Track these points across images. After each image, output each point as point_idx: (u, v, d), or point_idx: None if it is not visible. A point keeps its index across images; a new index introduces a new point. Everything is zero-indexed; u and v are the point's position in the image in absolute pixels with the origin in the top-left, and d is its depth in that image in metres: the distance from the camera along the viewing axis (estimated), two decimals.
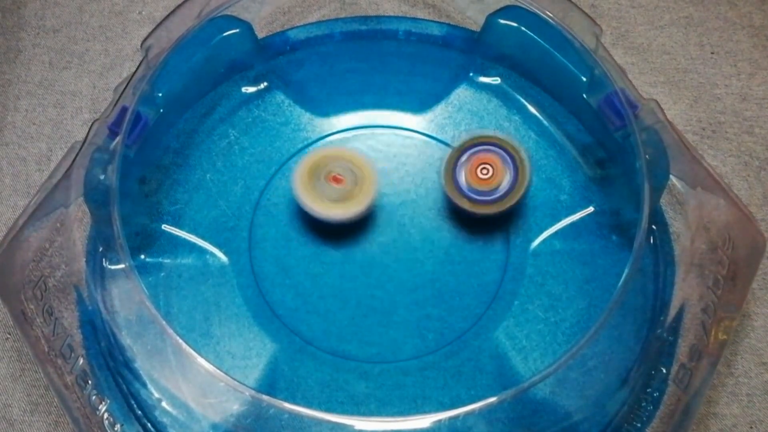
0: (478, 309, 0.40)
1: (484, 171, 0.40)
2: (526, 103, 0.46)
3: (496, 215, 0.40)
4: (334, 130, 0.45)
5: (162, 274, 0.40)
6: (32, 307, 0.37)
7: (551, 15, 0.42)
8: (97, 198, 0.38)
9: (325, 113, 0.45)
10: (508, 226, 0.42)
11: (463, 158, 0.41)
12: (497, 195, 0.40)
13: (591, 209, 0.42)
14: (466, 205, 0.40)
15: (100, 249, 0.39)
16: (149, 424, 0.36)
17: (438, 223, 0.42)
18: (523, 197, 0.40)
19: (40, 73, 0.49)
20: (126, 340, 0.36)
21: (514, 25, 0.45)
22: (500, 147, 0.41)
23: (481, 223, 0.42)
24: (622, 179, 0.41)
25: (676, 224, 0.42)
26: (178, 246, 0.41)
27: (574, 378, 0.35)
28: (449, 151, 0.42)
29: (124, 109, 0.39)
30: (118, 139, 0.39)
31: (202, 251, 0.41)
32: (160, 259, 0.41)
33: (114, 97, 0.41)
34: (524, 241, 0.42)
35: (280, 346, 0.39)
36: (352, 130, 0.45)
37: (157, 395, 0.36)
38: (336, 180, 0.40)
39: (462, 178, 0.41)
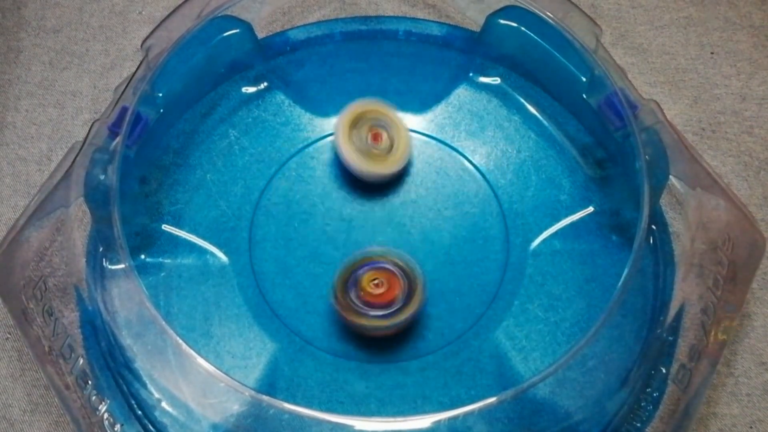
0: (478, 309, 0.40)
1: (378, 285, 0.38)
2: (526, 103, 0.46)
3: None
4: (334, 130, 0.45)
5: (162, 274, 0.40)
6: (32, 307, 0.37)
7: (551, 15, 0.42)
8: (97, 198, 0.38)
9: (325, 113, 0.45)
10: (508, 226, 0.42)
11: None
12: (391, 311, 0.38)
13: (591, 209, 0.42)
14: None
15: (100, 249, 0.39)
16: (149, 425, 0.36)
17: (438, 223, 0.42)
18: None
19: (40, 73, 0.49)
20: (126, 340, 0.36)
21: (514, 25, 0.45)
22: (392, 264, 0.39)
23: (480, 222, 0.42)
24: (622, 179, 0.41)
25: (676, 224, 0.42)
26: (178, 246, 0.41)
27: (574, 378, 0.35)
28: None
29: (124, 109, 0.39)
30: (118, 139, 0.39)
31: (202, 251, 0.41)
32: (160, 259, 0.41)
33: (114, 97, 0.41)
34: (524, 241, 0.42)
35: (280, 346, 0.39)
36: None
37: (157, 395, 0.36)
38: (376, 137, 0.42)
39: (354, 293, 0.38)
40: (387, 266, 0.39)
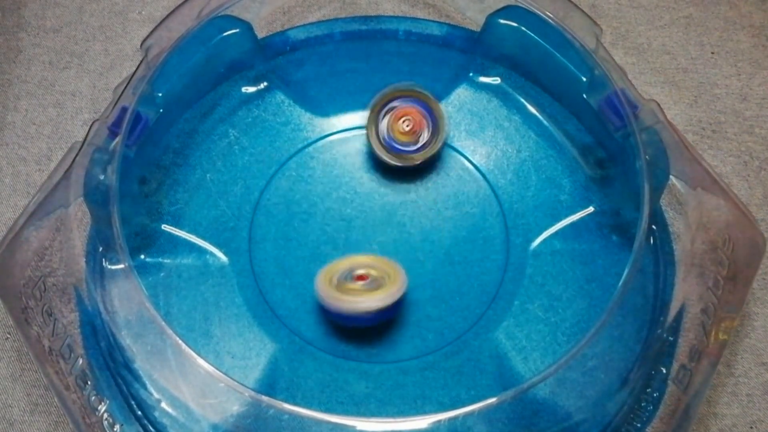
0: (478, 309, 0.40)
1: (406, 123, 0.42)
2: (526, 103, 0.46)
3: (415, 166, 0.42)
4: (334, 130, 0.45)
5: (162, 274, 0.40)
6: (32, 307, 0.37)
7: (551, 15, 0.42)
8: (97, 198, 0.38)
9: (325, 113, 0.45)
10: (508, 226, 0.42)
11: (383, 112, 0.42)
12: (417, 147, 0.42)
13: (591, 209, 0.42)
14: (390, 158, 0.42)
15: (100, 249, 0.39)
16: (149, 425, 0.36)
17: (438, 223, 0.42)
18: (441, 147, 0.43)
19: (40, 73, 0.49)
20: (126, 340, 0.36)
21: (514, 25, 0.45)
22: (418, 100, 0.42)
23: (480, 222, 0.42)
24: (622, 179, 0.41)
25: (676, 224, 0.42)
26: (178, 246, 0.41)
27: (574, 378, 0.35)
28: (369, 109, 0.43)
29: (124, 109, 0.39)
30: (118, 139, 0.39)
31: (202, 251, 0.41)
32: (160, 259, 0.41)
33: (114, 97, 0.41)
34: (524, 241, 0.42)
35: (280, 346, 0.39)
36: (352, 130, 0.45)
37: (156, 396, 0.36)
38: (360, 278, 0.39)
39: (384, 132, 0.42)
40: (406, 104, 0.42)
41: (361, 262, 0.39)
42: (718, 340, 0.37)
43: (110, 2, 0.51)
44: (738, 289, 0.37)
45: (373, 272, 0.39)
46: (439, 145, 0.42)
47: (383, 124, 0.42)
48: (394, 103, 0.42)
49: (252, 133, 0.45)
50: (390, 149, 0.42)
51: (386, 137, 0.42)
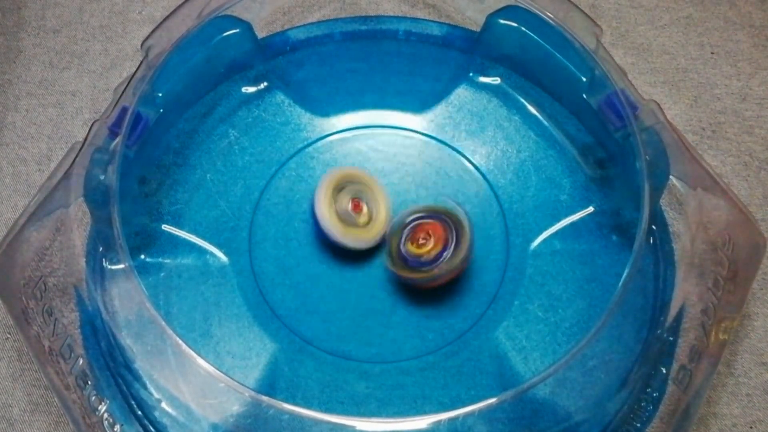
0: (478, 309, 0.40)
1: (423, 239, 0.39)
2: (526, 103, 0.46)
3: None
4: (334, 130, 0.45)
5: (162, 274, 0.40)
6: (32, 307, 0.37)
7: (551, 15, 0.42)
8: (97, 198, 0.38)
9: (325, 113, 0.45)
10: (508, 226, 0.42)
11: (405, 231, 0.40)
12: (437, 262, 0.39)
13: (591, 209, 0.42)
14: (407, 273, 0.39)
15: (100, 249, 0.39)
16: (149, 425, 0.36)
17: None
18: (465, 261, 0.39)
19: (40, 73, 0.49)
20: (126, 340, 0.36)
21: (514, 25, 0.45)
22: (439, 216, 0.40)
23: (480, 222, 0.42)
24: (622, 179, 0.41)
25: (676, 224, 0.42)
26: (178, 246, 0.41)
27: (574, 378, 0.35)
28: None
29: (124, 110, 0.39)
30: (118, 139, 0.39)
31: (202, 251, 0.41)
32: (160, 259, 0.41)
33: (114, 97, 0.41)
34: (524, 241, 0.42)
35: (280, 346, 0.39)
36: (352, 130, 0.45)
37: (157, 396, 0.36)
38: (357, 207, 0.41)
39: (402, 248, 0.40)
40: (429, 220, 0.40)
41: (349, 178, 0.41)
42: (718, 340, 0.37)
43: (110, 2, 0.51)
44: (738, 289, 0.37)
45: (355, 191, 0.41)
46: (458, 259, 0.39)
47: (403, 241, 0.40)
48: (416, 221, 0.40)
49: (252, 133, 0.45)
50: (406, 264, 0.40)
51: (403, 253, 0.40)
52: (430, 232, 0.39)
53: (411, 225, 0.40)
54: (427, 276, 0.39)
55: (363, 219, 0.41)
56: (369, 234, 0.41)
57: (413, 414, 0.37)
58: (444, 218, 0.39)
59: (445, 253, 0.39)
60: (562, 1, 0.43)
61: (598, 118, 0.42)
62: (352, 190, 0.41)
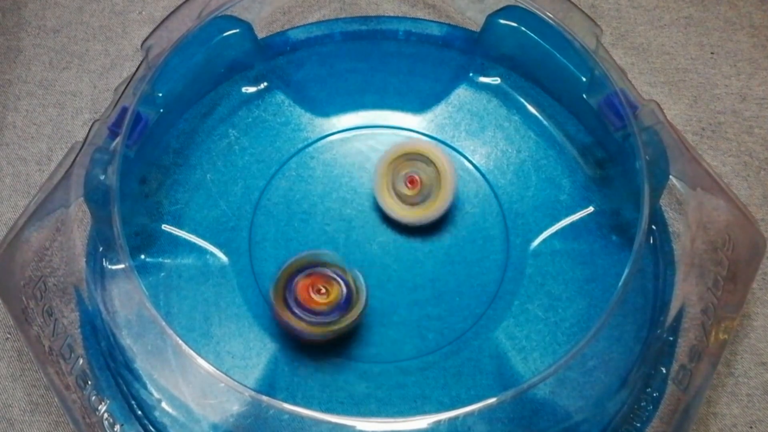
0: (478, 309, 0.40)
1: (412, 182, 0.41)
2: (526, 103, 0.46)
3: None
4: (334, 130, 0.45)
5: (162, 274, 0.40)
6: (32, 307, 0.37)
7: (551, 15, 0.42)
8: (97, 198, 0.38)
9: (325, 113, 0.45)
10: (508, 226, 0.42)
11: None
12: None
13: (591, 209, 0.42)
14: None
15: (100, 249, 0.39)
16: (149, 425, 0.36)
17: (438, 223, 0.42)
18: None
19: (40, 73, 0.49)
20: (126, 340, 0.36)
21: (514, 25, 0.45)
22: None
23: (480, 222, 0.42)
24: (622, 179, 0.41)
25: (676, 224, 0.42)
26: (178, 246, 0.41)
27: (574, 378, 0.35)
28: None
29: (124, 110, 0.39)
30: (118, 139, 0.39)
31: (202, 251, 0.41)
32: (160, 259, 0.41)
33: (114, 97, 0.41)
34: (524, 241, 0.42)
35: (280, 346, 0.39)
36: (352, 130, 0.45)
37: (157, 396, 0.36)
38: (412, 182, 0.41)
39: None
40: (329, 273, 0.38)
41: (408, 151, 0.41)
42: (718, 340, 0.37)
43: (110, 2, 0.51)
44: (738, 289, 0.37)
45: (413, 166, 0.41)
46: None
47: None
48: None
49: (252, 133, 0.45)
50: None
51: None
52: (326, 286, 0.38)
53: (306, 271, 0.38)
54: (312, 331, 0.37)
55: (417, 194, 0.41)
56: (428, 210, 0.41)
57: (413, 414, 0.37)
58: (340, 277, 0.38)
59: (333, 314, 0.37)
60: (562, 1, 0.43)
61: (598, 118, 0.42)
62: (409, 164, 0.41)
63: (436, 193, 0.41)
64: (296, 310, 0.37)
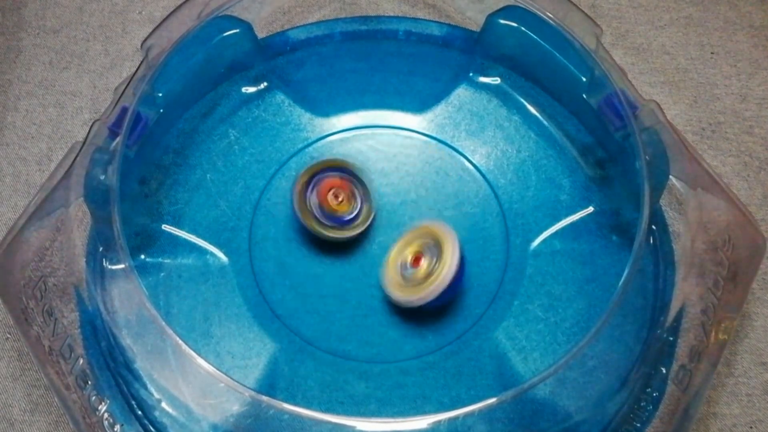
0: (478, 309, 0.40)
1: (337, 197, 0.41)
2: (526, 103, 0.46)
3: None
4: (334, 130, 0.45)
5: (162, 274, 0.40)
6: (32, 307, 0.37)
7: (551, 15, 0.42)
8: (97, 198, 0.38)
9: (325, 113, 0.45)
10: (508, 226, 0.42)
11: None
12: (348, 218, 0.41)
13: (591, 209, 0.42)
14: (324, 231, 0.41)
15: (100, 249, 0.39)
16: (149, 425, 0.36)
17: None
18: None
19: (40, 73, 0.49)
20: (126, 340, 0.36)
21: (514, 25, 0.45)
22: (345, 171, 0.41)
23: (480, 222, 0.42)
24: (622, 179, 0.41)
25: (676, 224, 0.42)
26: (178, 246, 0.41)
27: (574, 378, 0.35)
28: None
29: (124, 110, 0.39)
30: (118, 139, 0.39)
31: (202, 251, 0.41)
32: (160, 259, 0.41)
33: (114, 97, 0.41)
34: (524, 241, 0.42)
35: (280, 346, 0.39)
36: (352, 130, 0.45)
37: (157, 396, 0.36)
38: (417, 261, 0.39)
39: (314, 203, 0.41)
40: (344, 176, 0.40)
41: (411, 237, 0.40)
42: (718, 340, 0.37)
43: (110, 2, 0.51)
44: (738, 290, 0.37)
45: (424, 246, 0.39)
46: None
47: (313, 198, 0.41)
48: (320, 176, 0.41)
49: (252, 133, 0.45)
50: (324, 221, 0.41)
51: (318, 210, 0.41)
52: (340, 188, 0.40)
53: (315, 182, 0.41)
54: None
55: (421, 273, 0.39)
56: (424, 290, 0.38)
57: (413, 414, 0.37)
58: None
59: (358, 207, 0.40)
60: (562, 1, 0.43)
61: (598, 118, 0.42)
62: (419, 243, 0.39)
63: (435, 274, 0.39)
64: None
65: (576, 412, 0.36)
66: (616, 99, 0.40)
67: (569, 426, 0.36)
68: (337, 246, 0.41)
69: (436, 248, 0.39)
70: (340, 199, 0.40)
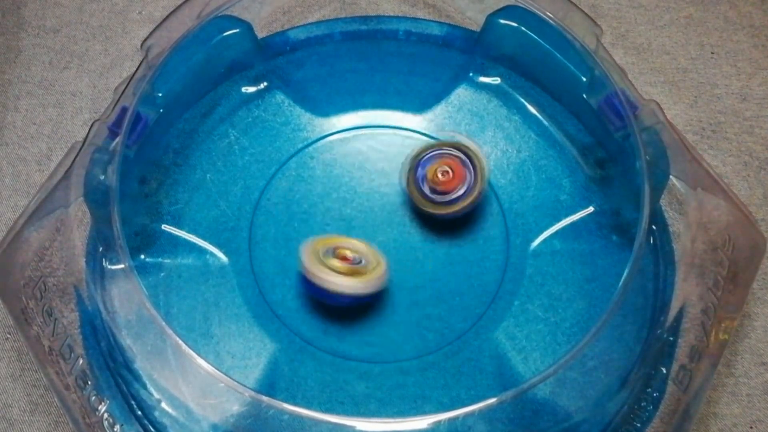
0: (478, 309, 0.40)
1: (444, 174, 0.40)
2: (526, 103, 0.46)
3: (454, 215, 0.41)
4: (334, 130, 0.45)
5: (162, 274, 0.40)
6: (32, 307, 0.37)
7: (551, 15, 0.42)
8: (97, 198, 0.38)
9: (325, 113, 0.45)
10: (508, 226, 0.42)
11: (424, 160, 0.41)
12: (455, 197, 0.40)
13: (591, 209, 0.42)
14: (426, 206, 0.41)
15: (100, 249, 0.39)
16: (149, 425, 0.36)
17: (438, 223, 0.42)
18: (479, 196, 0.41)
19: (40, 73, 0.49)
20: (126, 340, 0.36)
21: (514, 25, 0.45)
22: (459, 151, 0.41)
23: (480, 222, 0.42)
24: (622, 179, 0.41)
25: (676, 224, 0.42)
26: (178, 246, 0.41)
27: (574, 378, 0.35)
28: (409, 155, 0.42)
29: (124, 109, 0.39)
30: (118, 139, 0.39)
31: (202, 251, 0.41)
32: (160, 259, 0.41)
33: (114, 97, 0.41)
34: (524, 241, 0.42)
35: (280, 346, 0.39)
36: (352, 130, 0.45)
37: (156, 396, 0.36)
38: (343, 258, 0.39)
39: (422, 181, 0.41)
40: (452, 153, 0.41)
41: (349, 243, 0.40)
42: (718, 340, 0.37)
43: (110, 2, 0.51)
44: (738, 290, 0.37)
45: (356, 255, 0.39)
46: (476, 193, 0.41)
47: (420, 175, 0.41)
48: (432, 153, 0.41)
49: (252, 133, 0.45)
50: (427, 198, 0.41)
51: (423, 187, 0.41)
52: (451, 167, 0.40)
53: (428, 157, 0.41)
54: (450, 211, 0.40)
55: (354, 267, 0.38)
56: (366, 279, 0.38)
57: (413, 414, 0.37)
58: (459, 154, 0.40)
59: (465, 189, 0.40)
60: (562, 1, 0.43)
61: (598, 118, 0.42)
62: (345, 249, 0.39)
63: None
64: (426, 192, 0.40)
65: (576, 412, 0.36)
66: (616, 99, 0.40)
67: (569, 426, 0.36)
68: None
69: (364, 262, 0.39)
70: (448, 176, 0.40)
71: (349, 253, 0.39)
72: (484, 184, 0.40)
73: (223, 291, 0.40)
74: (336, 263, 0.38)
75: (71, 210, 0.38)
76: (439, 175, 0.40)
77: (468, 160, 0.40)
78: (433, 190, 0.40)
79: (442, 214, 0.40)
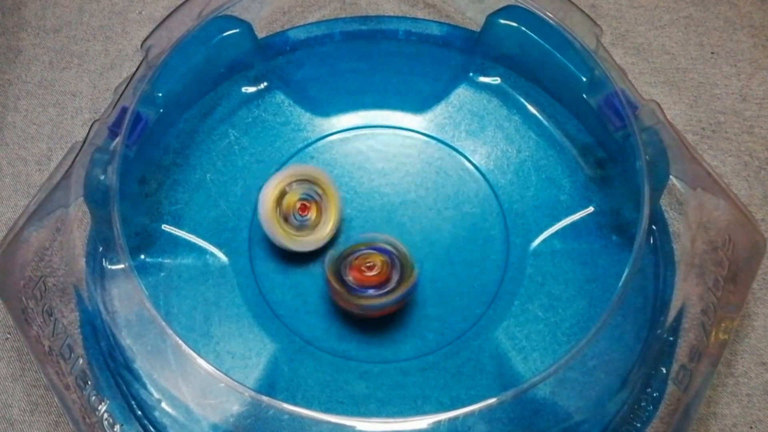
0: (478, 309, 0.40)
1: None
2: (526, 103, 0.46)
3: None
4: (334, 130, 0.45)
5: (162, 274, 0.40)
6: (32, 307, 0.37)
7: (551, 15, 0.42)
8: (97, 198, 0.38)
9: (325, 113, 0.45)
10: (508, 226, 0.42)
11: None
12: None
13: (591, 209, 0.42)
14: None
15: (100, 249, 0.39)
16: (149, 425, 0.36)
17: (438, 223, 0.42)
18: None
19: (40, 73, 0.49)
20: (126, 340, 0.36)
21: (514, 25, 0.45)
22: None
23: (480, 222, 0.42)
24: (622, 179, 0.41)
25: (676, 224, 0.42)
26: (178, 246, 0.41)
27: (574, 378, 0.35)
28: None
29: (124, 110, 0.39)
30: (118, 139, 0.39)
31: (202, 251, 0.41)
32: (160, 259, 0.41)
33: (114, 98, 0.41)
34: (524, 241, 0.42)
35: (280, 346, 0.39)
36: (352, 130, 0.45)
37: (156, 396, 0.36)
38: (303, 209, 0.40)
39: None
40: (379, 248, 0.39)
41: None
42: (718, 340, 0.37)
43: (110, 2, 0.51)
44: (738, 290, 0.37)
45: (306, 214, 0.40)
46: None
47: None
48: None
49: (252, 133, 0.45)
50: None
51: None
52: (375, 262, 0.38)
53: (355, 255, 0.39)
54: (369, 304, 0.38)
55: (310, 221, 0.40)
56: (315, 237, 0.40)
57: (413, 414, 0.37)
58: (389, 251, 0.39)
59: (387, 286, 0.38)
60: (562, 1, 0.44)
61: (598, 118, 0.42)
62: (303, 188, 0.41)
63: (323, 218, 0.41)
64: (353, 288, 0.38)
65: (576, 412, 0.36)
66: (616, 99, 0.40)
67: (569, 426, 0.36)
68: (336, 246, 0.41)
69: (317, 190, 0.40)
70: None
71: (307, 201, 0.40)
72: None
73: (223, 291, 0.40)
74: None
75: (71, 210, 0.38)
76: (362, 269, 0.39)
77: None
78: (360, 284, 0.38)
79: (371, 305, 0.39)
